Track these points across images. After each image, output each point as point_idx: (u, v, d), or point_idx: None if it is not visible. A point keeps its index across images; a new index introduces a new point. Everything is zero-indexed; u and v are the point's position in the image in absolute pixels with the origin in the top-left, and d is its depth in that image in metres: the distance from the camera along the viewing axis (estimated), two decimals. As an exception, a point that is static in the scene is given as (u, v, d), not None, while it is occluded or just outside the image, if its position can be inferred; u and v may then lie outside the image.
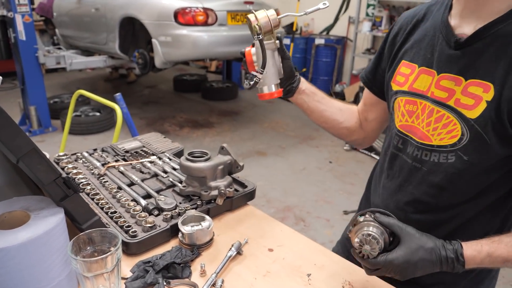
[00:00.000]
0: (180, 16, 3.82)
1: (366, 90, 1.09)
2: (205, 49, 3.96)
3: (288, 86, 1.04)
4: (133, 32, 4.57)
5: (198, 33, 3.88)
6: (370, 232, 0.74)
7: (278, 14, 0.92)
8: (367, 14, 5.68)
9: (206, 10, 3.91)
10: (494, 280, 0.98)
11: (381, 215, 0.76)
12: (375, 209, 0.78)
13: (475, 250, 0.73)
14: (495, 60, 0.74)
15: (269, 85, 0.95)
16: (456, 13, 0.82)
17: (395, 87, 0.92)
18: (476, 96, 0.75)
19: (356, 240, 0.75)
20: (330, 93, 5.45)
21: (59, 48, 5.18)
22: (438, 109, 0.81)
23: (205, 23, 3.91)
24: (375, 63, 1.04)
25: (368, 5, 5.66)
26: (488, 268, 0.87)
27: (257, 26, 0.89)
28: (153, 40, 4.01)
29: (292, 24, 6.11)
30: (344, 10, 5.61)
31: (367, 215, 0.78)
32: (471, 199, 0.83)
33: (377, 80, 1.03)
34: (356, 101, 4.56)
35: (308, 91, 1.06)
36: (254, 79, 0.92)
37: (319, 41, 5.89)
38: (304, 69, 6.23)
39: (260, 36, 0.89)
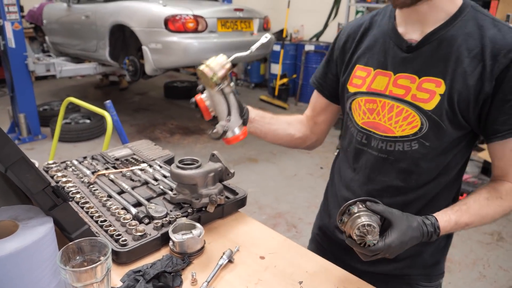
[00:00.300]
0: (171, 23, 3.83)
1: (315, 96, 1.17)
2: (195, 56, 3.96)
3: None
4: (123, 39, 4.56)
5: (189, 40, 3.88)
6: (369, 222, 0.77)
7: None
8: (356, 21, 5.74)
9: (196, 17, 3.93)
10: (450, 240, 1.10)
11: (372, 203, 0.83)
12: (363, 198, 0.83)
13: (446, 221, 0.86)
14: (443, 59, 0.86)
15: (233, 128, 0.94)
16: (401, 22, 0.93)
17: (352, 89, 1.01)
18: (430, 91, 0.88)
19: (356, 232, 0.77)
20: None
21: (49, 55, 5.15)
22: (397, 104, 0.92)
23: (196, 30, 3.92)
24: (325, 69, 1.12)
25: (357, 12, 5.73)
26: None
27: (214, 77, 0.87)
28: (144, 47, 4.01)
29: (282, 31, 6.16)
30: (334, 16, 5.67)
31: (358, 205, 0.81)
32: (434, 178, 0.96)
33: (328, 85, 1.11)
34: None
35: (257, 117, 1.09)
36: (223, 129, 0.92)
37: (309, 47, 5.94)
38: (294, 75, 6.27)
39: (221, 85, 0.89)
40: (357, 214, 0.79)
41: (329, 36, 6.11)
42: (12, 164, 0.65)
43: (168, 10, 3.88)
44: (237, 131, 0.95)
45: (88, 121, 4.55)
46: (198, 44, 3.92)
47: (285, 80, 6.13)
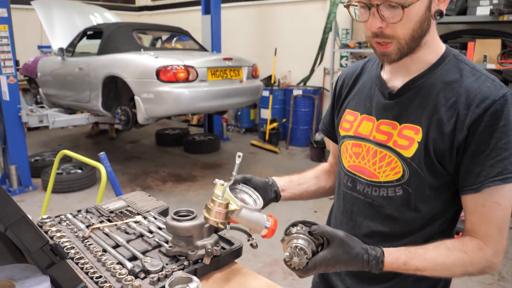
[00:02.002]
0: (162, 74, 3.94)
1: (329, 143, 1.21)
2: (187, 105, 4.05)
3: (271, 195, 1.10)
4: (116, 90, 4.66)
5: (180, 89, 3.98)
6: (298, 245, 0.81)
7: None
8: (341, 65, 5.96)
9: (187, 68, 4.05)
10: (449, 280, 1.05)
11: (317, 226, 0.84)
12: (306, 221, 0.86)
13: (394, 258, 0.85)
14: (421, 107, 0.89)
15: (263, 227, 0.96)
16: (387, 69, 0.97)
17: (342, 133, 1.05)
18: (409, 138, 0.89)
19: (286, 253, 0.82)
20: (310, 142, 5.57)
21: (42, 107, 5.21)
22: (380, 150, 0.94)
23: (187, 80, 4.03)
24: (330, 115, 1.15)
25: (342, 57, 5.97)
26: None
27: (219, 225, 0.93)
28: (136, 97, 4.09)
29: (270, 77, 6.35)
30: (319, 62, 5.88)
31: (298, 227, 0.84)
32: (420, 228, 0.94)
33: (335, 130, 1.14)
34: (336, 149, 4.66)
35: (286, 183, 1.14)
36: (252, 243, 1.00)
37: (297, 92, 6.10)
38: (284, 120, 6.39)
39: (228, 226, 0.95)
40: (295, 235, 0.83)
41: (316, 81, 6.30)
42: (12, 224, 0.66)
43: (160, 62, 4.01)
44: (268, 224, 0.96)
45: (79, 171, 4.53)
46: (189, 93, 4.02)
47: (275, 124, 6.24)
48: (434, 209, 0.93)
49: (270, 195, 1.10)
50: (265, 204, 1.07)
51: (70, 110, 5.54)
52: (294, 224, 0.85)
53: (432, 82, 0.89)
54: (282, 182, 1.13)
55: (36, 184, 4.46)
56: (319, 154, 5.40)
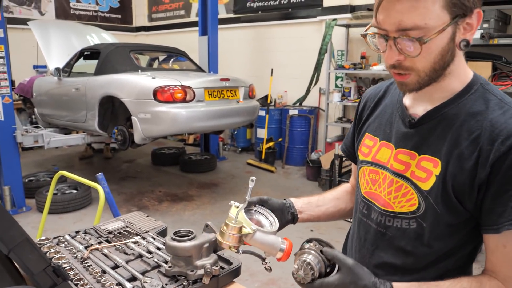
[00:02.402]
0: (159, 94, 3.97)
1: (353, 164, 1.17)
2: (184, 124, 4.07)
3: (288, 217, 1.09)
4: (112, 110, 4.68)
5: (177, 110, 4.01)
6: (307, 260, 0.81)
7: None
8: (336, 86, 6.05)
9: (184, 88, 4.10)
10: None
11: (328, 248, 0.83)
12: (321, 240, 0.84)
13: None
14: (442, 139, 0.84)
15: (277, 250, 0.95)
16: (410, 95, 0.93)
17: (361, 157, 1.02)
18: (428, 170, 0.85)
19: (295, 266, 0.82)
20: (307, 161, 5.59)
21: (37, 127, 5.21)
22: (397, 179, 0.90)
23: (184, 100, 4.07)
24: (353, 136, 1.12)
25: (337, 77, 6.06)
26: None
27: (232, 249, 0.93)
28: (133, 117, 4.11)
29: (266, 97, 6.41)
30: (315, 83, 5.96)
31: (312, 244, 0.84)
32: (432, 263, 0.89)
33: (356, 153, 1.10)
34: (332, 168, 4.68)
35: (304, 205, 1.12)
36: (266, 266, 0.99)
37: (293, 111, 6.16)
38: (280, 139, 6.42)
39: (240, 250, 0.93)
40: (307, 250, 0.83)
41: (311, 101, 6.38)
42: (16, 246, 0.67)
43: (157, 82, 4.05)
44: (283, 247, 0.95)
45: (74, 191, 4.50)
46: (186, 113, 4.05)
47: (271, 143, 6.27)
48: (449, 245, 0.88)
49: (287, 217, 1.08)
50: (282, 226, 1.04)
51: (65, 130, 5.54)
52: (309, 241, 0.85)
53: (455, 112, 0.83)
54: (300, 203, 1.11)
55: (30, 205, 4.42)
56: (315, 174, 5.41)
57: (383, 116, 0.99)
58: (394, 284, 0.81)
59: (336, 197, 1.18)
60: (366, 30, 0.85)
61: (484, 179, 0.78)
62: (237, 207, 0.95)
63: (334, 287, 0.78)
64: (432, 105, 0.87)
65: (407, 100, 0.94)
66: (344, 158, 4.58)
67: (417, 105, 0.91)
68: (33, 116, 6.09)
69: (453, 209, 0.83)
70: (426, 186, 0.84)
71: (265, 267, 0.99)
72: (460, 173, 0.80)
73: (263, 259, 0.98)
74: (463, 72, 0.86)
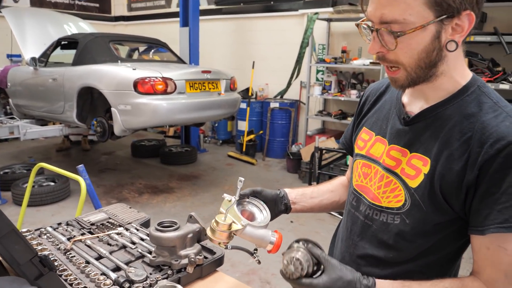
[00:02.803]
0: (140, 86, 3.93)
1: (350, 157, 1.18)
2: (165, 117, 4.05)
3: (281, 207, 1.11)
4: (91, 101, 4.61)
5: (158, 101, 3.98)
6: (297, 256, 0.83)
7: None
8: (317, 79, 6.11)
9: (165, 80, 4.06)
10: None
11: (313, 245, 0.85)
12: (309, 240, 0.87)
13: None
14: (434, 138, 0.85)
15: (267, 242, 0.96)
16: (408, 92, 0.95)
17: (356, 150, 1.05)
18: (417, 168, 0.86)
19: (284, 261, 0.84)
20: (287, 154, 5.64)
21: (12, 118, 5.08)
22: (387, 175, 0.92)
23: (165, 92, 4.04)
24: (352, 130, 1.13)
25: (318, 71, 6.12)
26: None
27: (222, 245, 0.95)
28: (113, 109, 4.06)
29: (247, 89, 6.42)
30: (296, 76, 6.00)
31: (301, 243, 0.87)
32: (413, 259, 0.92)
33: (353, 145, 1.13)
34: (312, 160, 4.74)
35: (298, 196, 1.14)
36: (256, 258, 1.00)
37: (274, 104, 6.20)
38: (261, 132, 6.45)
39: (229, 246, 0.96)
40: (296, 248, 0.85)
41: (292, 94, 6.42)
42: (3, 237, 0.67)
43: (138, 74, 4.00)
44: (273, 240, 0.96)
45: (52, 183, 4.43)
46: (167, 105, 4.03)
47: (252, 136, 6.30)
48: (432, 242, 0.89)
49: (280, 207, 1.10)
50: (274, 216, 1.07)
51: (42, 121, 5.42)
52: (297, 241, 0.88)
53: (449, 113, 0.84)
54: (294, 194, 1.12)
55: (5, 198, 4.32)
56: (296, 166, 5.48)
57: (381, 112, 1.00)
58: (378, 281, 0.83)
59: (331, 189, 1.20)
60: (362, 21, 0.85)
61: (472, 181, 0.79)
62: (230, 200, 0.96)
63: (322, 286, 0.80)
64: (427, 104, 0.88)
65: (405, 97, 0.95)
66: (324, 151, 4.65)
67: (414, 103, 0.92)
68: (8, 107, 5.93)
69: (440, 208, 0.84)
70: (414, 183, 0.86)
71: (254, 260, 1.01)
72: (448, 173, 0.81)
73: (251, 254, 1.00)
74: (460, 74, 0.86)
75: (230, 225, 0.93)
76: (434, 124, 0.86)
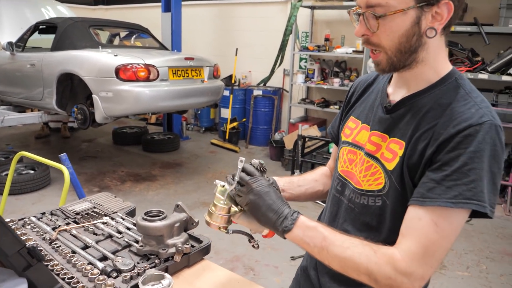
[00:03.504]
0: (122, 72, 3.87)
1: (333, 146, 1.23)
2: (147, 104, 4.00)
3: None
4: (72, 88, 4.51)
5: (140, 89, 3.93)
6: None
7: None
8: (300, 67, 6.12)
9: (147, 66, 4.01)
10: None
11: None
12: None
13: (306, 219, 0.90)
14: (410, 124, 0.90)
15: (263, 227, 0.96)
16: (394, 83, 1.00)
17: (343, 138, 1.09)
18: (394, 152, 0.91)
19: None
20: (270, 141, 5.67)
21: (-12, 104, 4.94)
22: (368, 159, 0.97)
23: (147, 79, 3.98)
24: (339, 120, 1.17)
25: (301, 59, 6.13)
26: None
27: (222, 229, 0.94)
28: (94, 96, 3.99)
29: (230, 76, 6.39)
30: (279, 63, 6.00)
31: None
32: (394, 240, 0.90)
33: (339, 134, 1.16)
34: (295, 148, 4.78)
35: (287, 184, 1.16)
36: (253, 244, 1.01)
37: (257, 92, 6.19)
38: (244, 119, 6.45)
39: (230, 230, 0.96)
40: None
41: (275, 82, 6.42)
42: (-10, 228, 0.67)
43: (119, 60, 3.93)
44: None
45: (32, 171, 4.35)
46: (149, 92, 3.98)
47: (235, 123, 6.29)
48: None
49: None
50: None
51: (19, 107, 5.28)
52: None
53: (425, 102, 0.89)
54: (282, 182, 1.15)
55: (-17, 186, 4.22)
56: (278, 154, 5.52)
57: (368, 101, 1.05)
58: (302, 217, 0.90)
59: (315, 179, 1.23)
60: (354, 9, 0.90)
61: (429, 157, 0.83)
62: (223, 186, 0.96)
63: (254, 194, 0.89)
64: (408, 93, 0.93)
65: (390, 88, 1.00)
66: (306, 139, 4.70)
67: (397, 93, 0.96)
68: (-16, 93, 5.74)
69: (408, 189, 0.88)
70: (391, 166, 0.91)
71: (252, 245, 1.02)
72: (414, 154, 0.87)
73: (252, 238, 1.01)
74: (440, 65, 0.90)
75: (229, 208, 0.94)
76: (411, 111, 0.91)
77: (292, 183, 1.18)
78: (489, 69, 4.09)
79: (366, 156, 0.97)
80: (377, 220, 0.95)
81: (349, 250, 0.85)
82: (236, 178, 0.94)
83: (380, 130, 0.96)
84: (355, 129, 1.05)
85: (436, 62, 0.90)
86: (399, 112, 0.93)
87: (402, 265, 0.81)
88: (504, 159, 0.83)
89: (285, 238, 0.91)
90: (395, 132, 0.92)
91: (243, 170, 0.93)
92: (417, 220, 0.82)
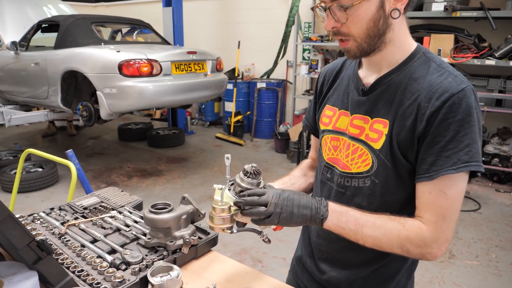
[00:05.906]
0: (125, 68, 3.88)
1: (312, 137, 1.25)
2: (151, 99, 4.01)
3: None
4: (76, 85, 4.53)
5: (144, 84, 3.94)
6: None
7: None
8: (303, 58, 6.09)
9: (150, 62, 4.01)
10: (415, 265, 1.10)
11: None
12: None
13: (338, 205, 0.92)
14: (389, 102, 0.94)
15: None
16: (364, 67, 1.03)
17: (322, 127, 1.11)
18: (379, 131, 0.95)
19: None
20: (275, 134, 5.67)
21: (-5, 104, 4.98)
22: (353, 143, 1.00)
23: (150, 74, 3.99)
24: (314, 111, 1.20)
25: (304, 50, 6.09)
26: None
27: (225, 230, 0.92)
28: (98, 93, 4.00)
29: (233, 69, 6.37)
30: (282, 55, 5.97)
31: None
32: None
33: (317, 125, 1.18)
34: (300, 140, 4.78)
35: (281, 186, 1.17)
36: (264, 239, 1.01)
37: (261, 84, 6.18)
38: (248, 112, 6.45)
39: (234, 230, 0.93)
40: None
41: (279, 74, 6.40)
42: (0, 222, 0.68)
43: (122, 56, 3.94)
44: None
45: (40, 169, 4.39)
46: (153, 87, 3.99)
47: (239, 117, 6.29)
48: (400, 199, 0.97)
49: None
50: None
51: (26, 106, 5.32)
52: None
53: (400, 79, 0.93)
54: (277, 185, 1.16)
55: (-7, 185, 4.28)
56: (284, 146, 5.52)
57: (340, 88, 1.08)
58: (330, 203, 0.92)
59: (303, 173, 1.26)
60: (315, 5, 0.93)
61: (421, 132, 0.87)
62: (221, 189, 0.95)
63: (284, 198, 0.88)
64: (381, 74, 0.97)
65: (361, 72, 1.03)
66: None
67: (369, 76, 1.00)
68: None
69: (399, 163, 0.92)
70: (378, 145, 0.94)
71: (263, 240, 1.01)
72: (403, 130, 0.90)
73: (259, 233, 1.00)
74: (406, 43, 0.95)
75: (229, 208, 0.92)
76: (388, 90, 0.94)
77: (285, 183, 1.20)
78: (496, 54, 4.02)
79: (351, 139, 1.00)
80: (367, 200, 0.99)
81: (381, 228, 0.89)
82: (228, 176, 0.96)
83: (360, 113, 0.99)
84: (333, 117, 1.07)
85: (402, 41, 0.94)
86: (376, 92, 0.96)
87: (428, 234, 0.88)
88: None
89: (322, 226, 0.91)
90: (376, 112, 0.96)
91: (242, 191, 0.92)
92: (428, 194, 0.88)
